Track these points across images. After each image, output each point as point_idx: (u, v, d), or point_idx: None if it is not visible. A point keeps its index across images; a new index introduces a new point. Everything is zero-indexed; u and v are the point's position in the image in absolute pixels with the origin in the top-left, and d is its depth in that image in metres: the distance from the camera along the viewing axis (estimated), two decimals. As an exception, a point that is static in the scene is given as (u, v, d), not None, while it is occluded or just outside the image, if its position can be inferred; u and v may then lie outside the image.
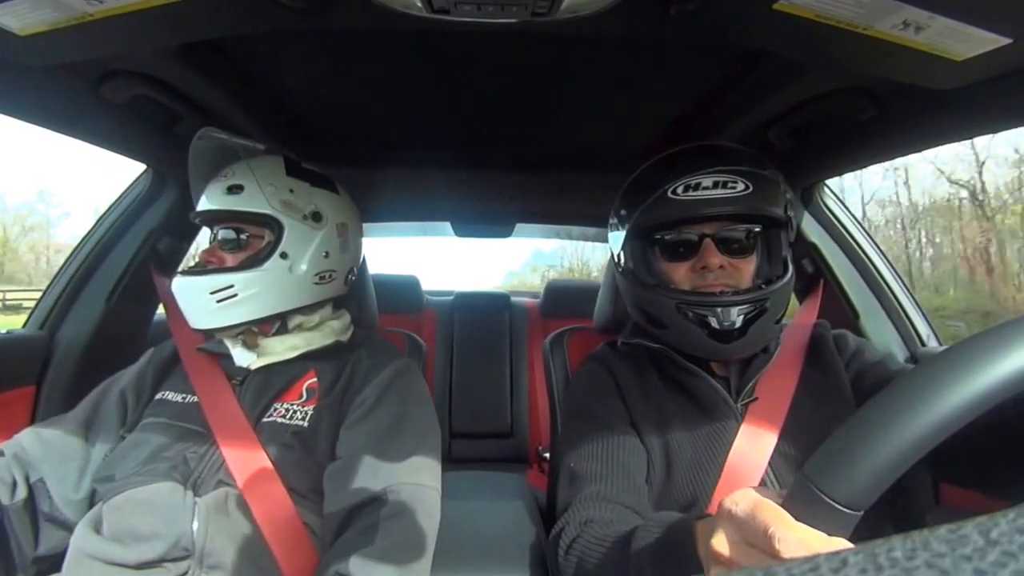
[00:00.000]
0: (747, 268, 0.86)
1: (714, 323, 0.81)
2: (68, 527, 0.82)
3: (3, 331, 1.17)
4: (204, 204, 0.93)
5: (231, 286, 0.88)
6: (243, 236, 0.93)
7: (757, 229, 0.87)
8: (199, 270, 0.91)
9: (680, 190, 0.83)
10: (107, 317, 1.24)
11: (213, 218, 0.95)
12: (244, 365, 0.92)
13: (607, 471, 0.81)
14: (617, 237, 0.96)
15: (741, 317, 0.81)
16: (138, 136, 1.12)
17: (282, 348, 0.94)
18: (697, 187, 0.82)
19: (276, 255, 0.91)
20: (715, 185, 0.81)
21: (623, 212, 0.94)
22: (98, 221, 1.29)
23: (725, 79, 1.02)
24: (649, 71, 1.01)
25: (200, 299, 0.88)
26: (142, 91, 0.95)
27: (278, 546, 0.76)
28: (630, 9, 0.69)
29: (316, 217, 0.96)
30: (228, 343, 0.94)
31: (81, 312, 1.23)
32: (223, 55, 0.96)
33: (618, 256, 0.97)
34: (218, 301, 0.87)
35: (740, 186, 0.81)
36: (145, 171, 1.29)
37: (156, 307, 1.41)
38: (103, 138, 1.08)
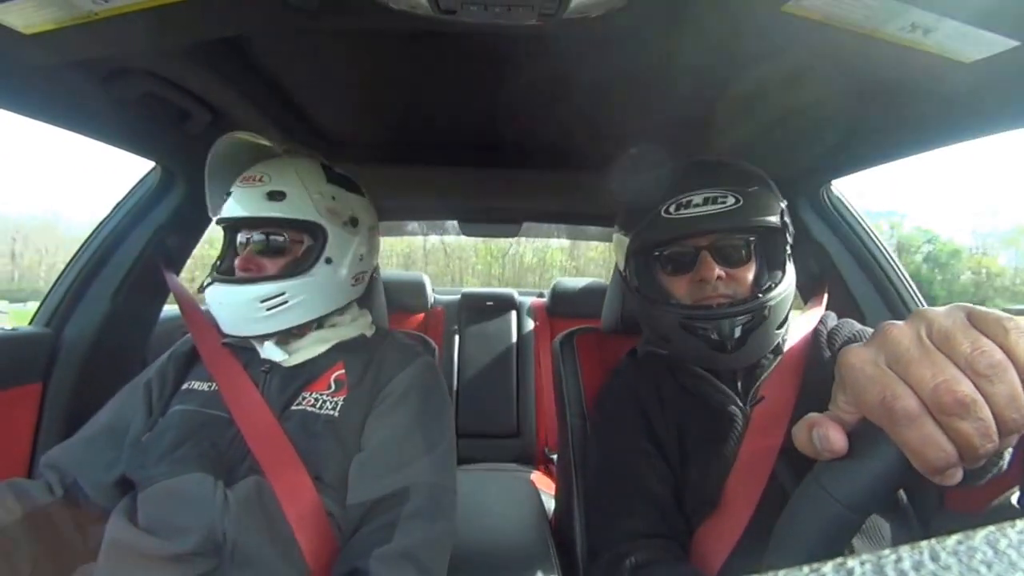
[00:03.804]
0: (745, 277, 0.88)
1: (714, 335, 0.84)
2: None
3: (10, 328, 1.18)
4: (239, 210, 0.90)
5: (282, 294, 0.88)
6: (282, 242, 0.92)
7: (752, 239, 0.89)
8: (243, 278, 0.89)
9: (672, 209, 0.86)
10: (113, 314, 1.24)
11: (250, 224, 0.93)
12: (277, 361, 0.93)
13: (640, 504, 0.84)
14: (621, 253, 1.00)
15: (739, 328, 0.83)
16: (147, 133, 1.12)
17: (310, 343, 0.95)
18: (688, 204, 0.85)
19: (322, 261, 0.92)
20: (705, 201, 0.84)
21: (622, 232, 0.98)
22: (106, 218, 1.29)
23: (732, 79, 1.02)
24: (656, 71, 1.01)
25: (248, 307, 0.88)
26: (151, 89, 0.95)
27: (304, 536, 0.77)
28: (637, 10, 0.69)
29: (353, 222, 0.98)
30: (255, 342, 0.94)
31: (87, 309, 1.23)
32: (232, 52, 0.96)
33: (625, 272, 1.01)
34: (268, 309, 0.88)
35: (730, 200, 0.83)
36: (153, 168, 1.29)
37: (162, 304, 1.41)
38: (111, 135, 1.08)
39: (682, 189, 0.86)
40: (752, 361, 0.89)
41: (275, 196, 0.89)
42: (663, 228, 0.87)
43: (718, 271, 0.85)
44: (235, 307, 0.89)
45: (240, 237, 0.94)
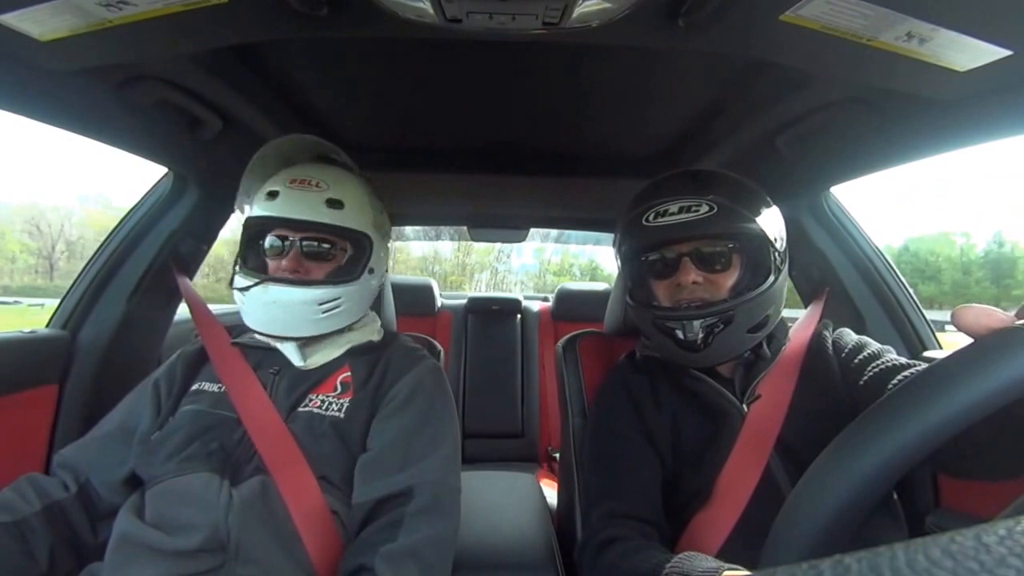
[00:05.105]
0: (724, 282, 0.90)
1: (679, 335, 0.88)
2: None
3: (27, 330, 1.19)
4: (294, 212, 0.90)
5: (338, 298, 0.92)
6: (332, 249, 0.95)
7: (731, 245, 0.90)
8: (302, 280, 0.90)
9: (651, 217, 0.90)
10: (128, 317, 1.26)
11: (305, 228, 0.92)
12: (298, 365, 0.95)
13: (623, 487, 0.89)
14: (619, 257, 1.04)
15: (703, 330, 0.86)
16: (159, 139, 1.14)
17: (326, 347, 0.97)
18: (665, 213, 0.89)
19: (367, 270, 0.97)
20: (680, 210, 0.88)
21: (615, 237, 1.03)
22: (120, 223, 1.31)
23: (733, 88, 1.04)
24: (659, 79, 1.02)
25: (305, 309, 0.89)
26: (163, 95, 0.97)
27: (308, 534, 0.78)
28: (638, 20, 0.71)
29: (387, 235, 1.05)
30: (281, 345, 0.95)
31: (102, 312, 1.25)
32: (244, 60, 0.98)
33: (621, 276, 1.05)
34: (324, 312, 0.91)
35: (704, 208, 0.86)
36: (166, 174, 1.31)
37: (176, 308, 1.43)
38: (124, 141, 1.11)
39: (661, 197, 0.90)
40: (720, 361, 0.91)
41: (334, 204, 0.92)
42: (641, 235, 0.92)
43: (694, 276, 0.88)
44: (291, 307, 0.89)
45: (272, 239, 0.94)
